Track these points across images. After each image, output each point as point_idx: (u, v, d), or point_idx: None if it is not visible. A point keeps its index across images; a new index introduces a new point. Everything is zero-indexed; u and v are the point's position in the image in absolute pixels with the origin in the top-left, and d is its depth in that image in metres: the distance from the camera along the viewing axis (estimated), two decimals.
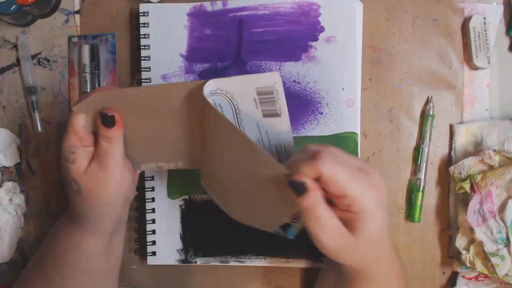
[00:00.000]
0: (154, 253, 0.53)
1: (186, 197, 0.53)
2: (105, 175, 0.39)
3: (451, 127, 0.51)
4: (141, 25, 0.53)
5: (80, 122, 0.39)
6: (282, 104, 0.39)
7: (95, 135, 0.40)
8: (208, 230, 0.53)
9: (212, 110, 0.36)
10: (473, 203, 0.46)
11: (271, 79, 0.38)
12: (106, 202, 0.40)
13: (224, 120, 0.35)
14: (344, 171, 0.32)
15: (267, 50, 0.52)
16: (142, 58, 0.53)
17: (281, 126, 0.41)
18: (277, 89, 0.38)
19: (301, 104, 0.51)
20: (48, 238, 0.46)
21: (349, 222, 0.34)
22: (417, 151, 0.51)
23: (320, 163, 0.32)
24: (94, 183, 0.39)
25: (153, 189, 0.53)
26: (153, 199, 0.53)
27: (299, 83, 0.52)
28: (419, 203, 0.51)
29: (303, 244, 0.52)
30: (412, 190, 0.51)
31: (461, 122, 0.51)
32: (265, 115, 0.40)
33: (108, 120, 0.38)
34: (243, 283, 0.54)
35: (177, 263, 0.53)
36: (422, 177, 0.51)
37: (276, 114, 0.40)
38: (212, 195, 0.44)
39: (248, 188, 0.38)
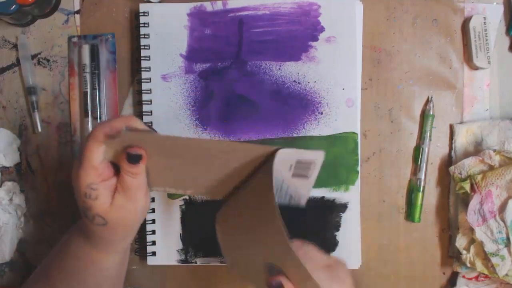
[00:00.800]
0: (154, 253, 0.53)
1: (186, 197, 0.53)
2: (133, 206, 0.38)
3: (451, 127, 0.51)
4: (141, 25, 0.53)
5: (99, 157, 0.36)
6: (314, 173, 0.41)
7: (113, 163, 0.38)
8: (208, 230, 0.52)
9: (269, 177, 0.36)
10: (473, 203, 0.46)
11: (315, 157, 0.40)
12: (131, 228, 0.40)
13: (270, 189, 0.35)
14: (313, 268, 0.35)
15: (267, 50, 0.52)
16: (142, 58, 0.53)
17: (303, 187, 0.42)
18: (316, 163, 0.40)
19: (301, 104, 0.52)
20: (57, 253, 0.44)
21: None
22: (417, 151, 0.51)
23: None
24: (122, 215, 0.38)
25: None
26: (153, 199, 0.53)
27: (299, 83, 0.52)
28: (419, 203, 0.51)
29: None
30: (412, 190, 0.51)
31: (461, 122, 0.51)
32: (293, 175, 0.41)
33: (134, 159, 0.36)
34: (243, 283, 0.54)
35: (177, 263, 0.53)
36: (422, 177, 0.51)
37: (304, 176, 0.41)
38: (220, 240, 0.44)
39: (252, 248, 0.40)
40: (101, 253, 0.41)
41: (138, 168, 0.36)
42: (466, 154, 0.50)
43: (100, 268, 0.42)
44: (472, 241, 0.47)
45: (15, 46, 0.56)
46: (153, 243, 0.53)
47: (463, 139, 0.51)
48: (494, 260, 0.45)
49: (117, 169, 0.38)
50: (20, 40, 0.55)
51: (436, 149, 0.52)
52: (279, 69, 0.52)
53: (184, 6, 0.52)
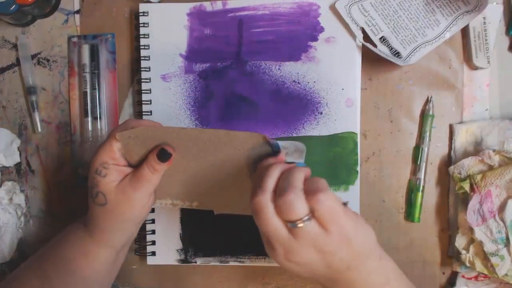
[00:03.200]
0: (153, 253, 0.53)
1: None
2: (135, 196, 0.41)
3: (451, 127, 0.51)
4: (141, 25, 0.53)
5: (117, 146, 0.41)
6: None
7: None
8: (208, 230, 0.53)
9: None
10: (473, 203, 0.47)
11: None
12: (126, 220, 0.42)
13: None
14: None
15: (267, 50, 0.52)
16: (142, 58, 0.53)
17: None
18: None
19: (301, 104, 0.52)
20: (55, 241, 0.46)
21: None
22: (417, 151, 0.51)
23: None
24: (121, 199, 0.41)
25: None
26: None
27: (299, 83, 0.52)
28: (419, 203, 0.51)
29: None
30: (412, 190, 0.51)
31: (461, 122, 0.51)
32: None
33: (164, 156, 0.40)
34: (243, 283, 0.54)
35: (177, 263, 0.53)
36: (422, 177, 0.51)
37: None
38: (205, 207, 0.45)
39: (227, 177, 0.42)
40: (95, 244, 0.43)
41: (162, 166, 0.40)
42: (466, 154, 0.50)
43: (91, 260, 0.43)
44: (472, 241, 0.47)
45: (15, 46, 0.56)
46: (153, 243, 0.53)
47: (462, 139, 0.51)
48: (493, 260, 0.46)
49: (130, 165, 0.42)
50: (20, 40, 0.55)
51: (435, 149, 0.52)
52: (279, 69, 0.52)
53: (184, 6, 0.52)
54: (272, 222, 0.33)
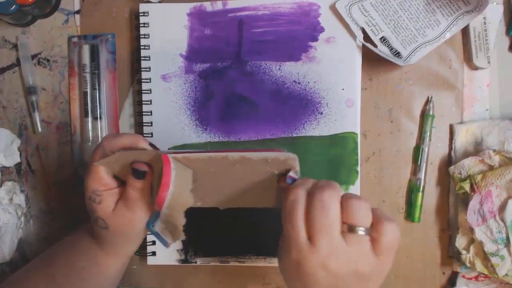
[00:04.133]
0: (154, 253, 0.53)
1: None
2: (132, 216, 0.40)
3: (451, 127, 0.51)
4: (141, 25, 0.53)
5: (102, 172, 0.39)
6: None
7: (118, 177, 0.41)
8: (208, 230, 0.53)
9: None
10: (473, 203, 0.47)
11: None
12: (132, 234, 0.42)
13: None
14: None
15: (267, 50, 0.52)
16: (142, 58, 0.53)
17: None
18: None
19: (301, 104, 0.52)
20: (63, 248, 0.46)
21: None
22: (417, 151, 0.51)
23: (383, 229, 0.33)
24: (121, 222, 0.40)
25: None
26: None
27: (299, 83, 0.52)
28: (419, 203, 0.51)
29: None
30: (412, 190, 0.51)
31: (461, 122, 0.51)
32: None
33: (139, 174, 0.38)
34: (243, 283, 0.54)
35: (177, 263, 0.53)
36: (422, 177, 0.51)
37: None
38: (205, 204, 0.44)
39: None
40: (106, 255, 0.44)
41: (141, 183, 0.39)
42: (466, 154, 0.50)
43: (103, 269, 0.44)
44: (472, 241, 0.47)
45: (15, 46, 0.56)
46: (153, 243, 0.53)
47: (463, 139, 0.51)
48: (493, 260, 0.46)
49: (122, 181, 0.41)
50: (20, 40, 0.55)
51: (436, 149, 0.52)
52: (279, 69, 0.52)
53: (184, 6, 0.52)
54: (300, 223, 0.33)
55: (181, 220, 0.39)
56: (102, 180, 0.39)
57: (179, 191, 0.38)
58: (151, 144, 0.41)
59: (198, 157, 0.38)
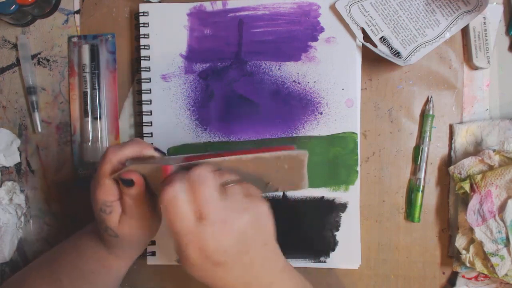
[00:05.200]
0: (153, 253, 0.53)
1: None
2: (137, 223, 0.41)
3: (451, 127, 0.51)
4: (141, 25, 0.53)
5: (111, 184, 0.39)
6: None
7: None
8: None
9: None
10: (473, 203, 0.47)
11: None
12: (141, 239, 0.43)
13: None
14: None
15: (267, 50, 0.52)
16: (142, 58, 0.53)
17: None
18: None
19: (301, 104, 0.52)
20: (68, 250, 0.46)
21: None
22: (417, 151, 0.51)
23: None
24: (129, 232, 0.41)
25: None
26: None
27: (299, 83, 0.52)
28: (419, 203, 0.51)
29: (302, 244, 0.52)
30: (412, 190, 0.51)
31: (461, 122, 0.51)
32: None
33: (126, 183, 0.38)
34: None
35: (177, 263, 0.53)
36: (422, 177, 0.51)
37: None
38: None
39: None
40: (115, 259, 0.44)
41: (132, 190, 0.38)
42: (466, 154, 0.50)
43: (111, 271, 0.45)
44: (472, 241, 0.47)
45: (15, 46, 0.56)
46: (153, 243, 0.53)
47: (463, 139, 0.51)
48: (493, 260, 0.46)
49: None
50: (20, 40, 0.55)
51: (436, 149, 0.52)
52: (279, 69, 0.52)
53: (184, 6, 0.52)
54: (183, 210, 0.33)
55: None
56: (111, 191, 0.39)
57: None
58: (156, 149, 0.41)
59: (209, 162, 0.38)
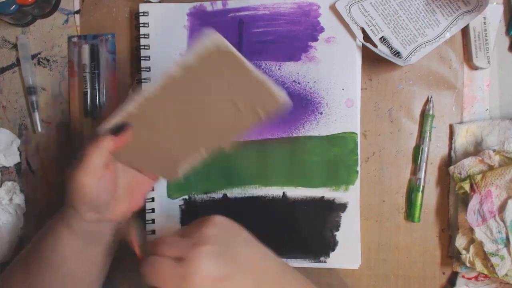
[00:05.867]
0: None
1: (186, 197, 0.53)
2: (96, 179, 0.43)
3: (451, 127, 0.51)
4: (141, 25, 0.53)
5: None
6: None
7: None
8: None
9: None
10: (473, 203, 0.47)
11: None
12: (92, 199, 0.43)
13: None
14: None
15: (267, 50, 0.52)
16: (142, 58, 0.53)
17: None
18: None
19: (301, 104, 0.52)
20: (36, 242, 0.46)
21: None
22: (417, 151, 0.51)
23: None
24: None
25: (152, 189, 0.53)
26: (152, 199, 0.53)
27: (299, 83, 0.52)
28: (419, 203, 0.51)
29: (302, 244, 0.52)
30: (412, 190, 0.51)
31: (461, 122, 0.51)
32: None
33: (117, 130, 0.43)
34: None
35: None
36: (422, 177, 0.51)
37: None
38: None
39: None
40: (70, 231, 0.44)
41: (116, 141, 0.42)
42: (466, 154, 0.50)
43: (82, 260, 0.44)
44: (472, 241, 0.47)
45: (15, 46, 0.56)
46: (153, 232, 0.53)
47: (463, 139, 0.51)
48: (493, 260, 0.46)
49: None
50: (20, 40, 0.55)
51: (436, 149, 0.52)
52: (279, 69, 0.52)
53: (184, 6, 0.52)
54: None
55: None
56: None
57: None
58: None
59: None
